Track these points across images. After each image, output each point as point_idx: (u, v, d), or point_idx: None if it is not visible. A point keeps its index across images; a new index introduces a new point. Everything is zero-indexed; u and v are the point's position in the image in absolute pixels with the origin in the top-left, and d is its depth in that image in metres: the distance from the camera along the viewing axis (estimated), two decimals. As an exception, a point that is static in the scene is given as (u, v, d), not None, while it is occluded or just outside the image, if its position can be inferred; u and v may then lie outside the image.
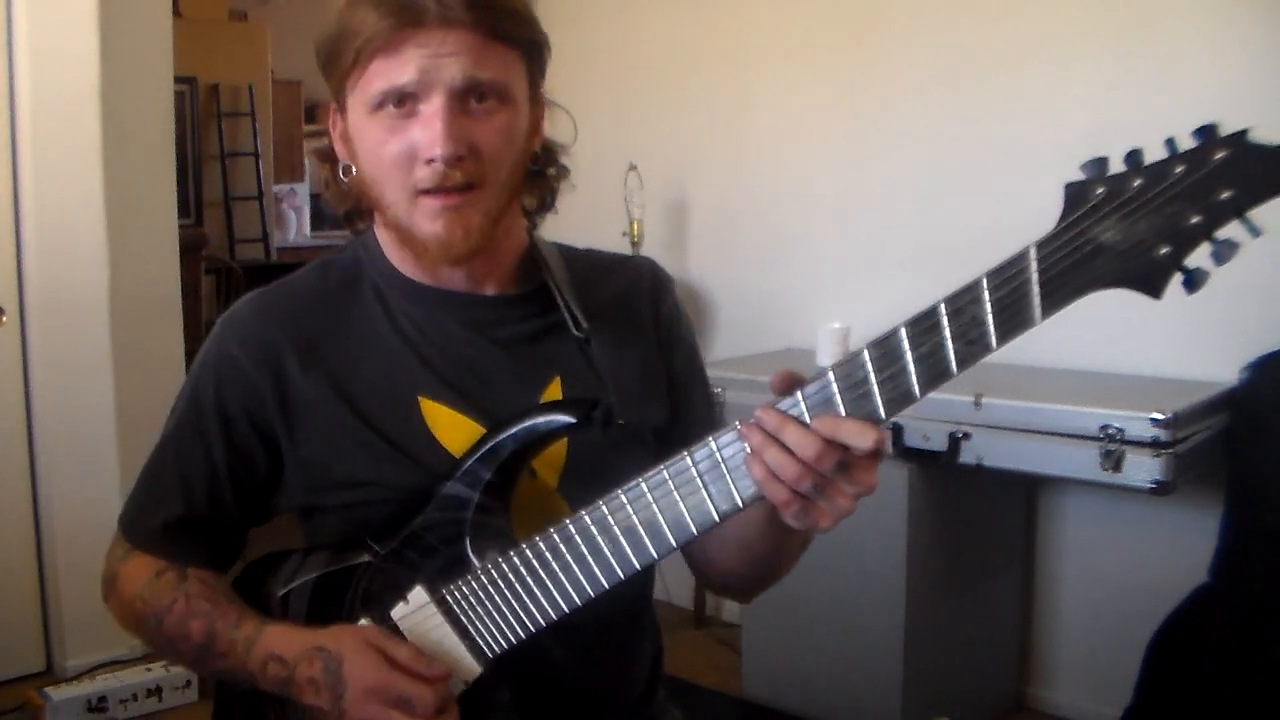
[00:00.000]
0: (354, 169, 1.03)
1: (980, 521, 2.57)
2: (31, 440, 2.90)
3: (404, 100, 0.95)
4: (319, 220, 8.98)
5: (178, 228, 3.19)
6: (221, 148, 7.17)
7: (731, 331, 3.12)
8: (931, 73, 2.78)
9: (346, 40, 0.96)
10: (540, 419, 0.96)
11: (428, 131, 0.95)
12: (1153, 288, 0.74)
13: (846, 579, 2.38)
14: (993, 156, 2.69)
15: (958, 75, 2.73)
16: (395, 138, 0.96)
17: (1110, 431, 2.07)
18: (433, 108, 0.94)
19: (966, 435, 2.23)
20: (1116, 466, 2.07)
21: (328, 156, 1.08)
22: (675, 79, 3.28)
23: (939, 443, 2.26)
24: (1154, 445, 2.05)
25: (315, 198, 8.94)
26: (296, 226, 8.74)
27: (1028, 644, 2.75)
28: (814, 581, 2.43)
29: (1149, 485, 2.06)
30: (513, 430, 0.96)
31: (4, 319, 2.77)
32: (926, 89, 2.79)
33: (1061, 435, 2.14)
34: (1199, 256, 0.73)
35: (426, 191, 0.97)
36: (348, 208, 1.10)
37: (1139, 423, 2.05)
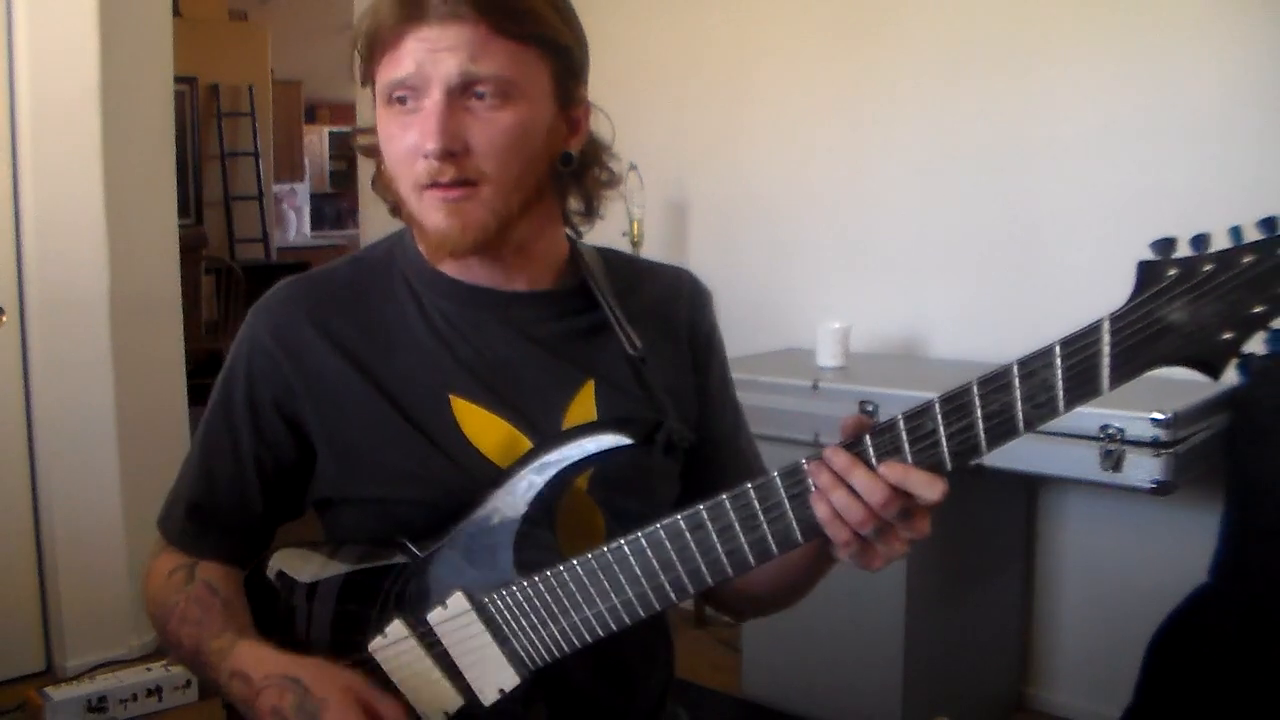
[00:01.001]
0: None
1: (980, 521, 2.57)
2: (31, 440, 2.90)
3: (408, 96, 0.95)
4: (319, 220, 9.00)
5: (178, 228, 3.19)
6: (221, 148, 7.18)
7: (731, 331, 3.10)
8: (931, 73, 2.78)
9: (365, 35, 0.97)
10: (599, 437, 0.95)
11: (424, 126, 0.94)
12: (1213, 370, 0.76)
13: (846, 579, 2.36)
14: (992, 156, 2.69)
15: (958, 75, 2.73)
16: (403, 134, 0.96)
17: (1110, 431, 2.07)
18: (430, 102, 0.94)
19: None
20: (1116, 466, 2.07)
21: (374, 152, 1.06)
22: (675, 79, 3.28)
23: (939, 443, 2.25)
24: (1154, 445, 2.05)
25: (315, 197, 8.95)
26: (296, 226, 8.76)
27: (1028, 644, 2.75)
28: (814, 581, 2.43)
29: (1149, 485, 2.06)
30: (567, 446, 0.95)
31: (4, 319, 2.77)
32: (926, 89, 2.79)
33: (1061, 435, 2.14)
34: (1254, 341, 0.76)
35: (427, 186, 0.96)
36: (391, 202, 1.08)
37: (1139, 423, 2.05)
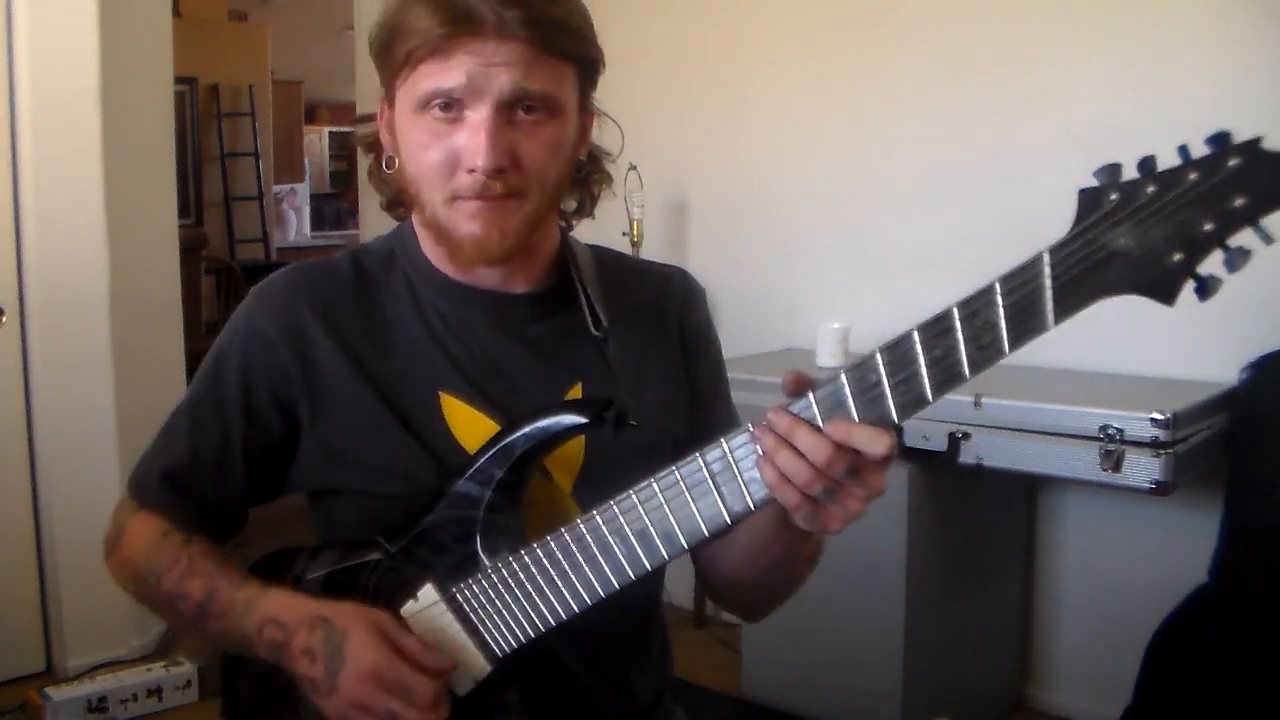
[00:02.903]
0: (397, 161, 1.03)
1: (980, 521, 2.57)
2: (31, 440, 2.90)
3: (450, 105, 0.95)
4: (319, 220, 9.00)
5: (178, 228, 3.19)
6: (221, 148, 7.18)
7: (731, 331, 3.11)
8: (931, 71, 2.78)
9: (399, 36, 0.95)
10: (552, 419, 0.96)
11: (472, 141, 0.94)
12: (1165, 294, 0.74)
13: (846, 579, 2.38)
14: (993, 155, 2.69)
15: (958, 74, 2.73)
16: (439, 143, 0.96)
17: (1110, 431, 2.07)
18: (479, 116, 0.94)
19: (966, 435, 2.23)
20: (1116, 466, 2.07)
21: (373, 146, 1.07)
22: (675, 79, 3.28)
23: (939, 443, 2.26)
24: (1154, 445, 2.05)
25: (315, 198, 8.95)
26: (296, 226, 8.76)
27: (1028, 644, 2.75)
28: (814, 581, 2.41)
29: (1149, 485, 2.06)
30: (525, 429, 0.96)
31: (4, 319, 2.77)
32: (926, 88, 2.79)
33: (1061, 435, 2.14)
34: (1211, 264, 0.73)
35: (468, 197, 0.97)
36: (389, 197, 1.10)
37: (1139, 423, 2.05)
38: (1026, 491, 2.69)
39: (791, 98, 3.06)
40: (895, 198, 2.87)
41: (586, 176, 1.09)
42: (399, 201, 1.09)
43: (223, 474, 1.07)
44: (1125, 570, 2.56)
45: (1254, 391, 2.26)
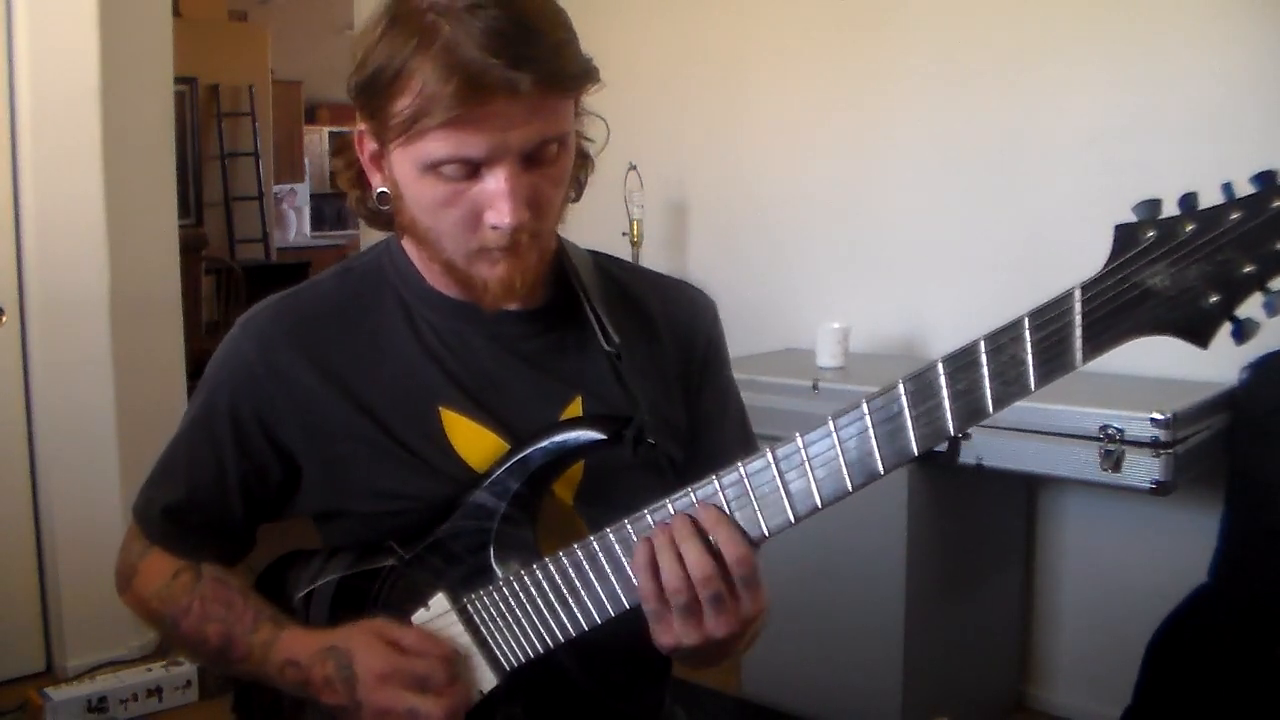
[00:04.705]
0: (390, 195, 0.99)
1: (980, 521, 2.57)
2: (31, 440, 2.90)
3: (466, 166, 0.92)
4: (319, 220, 8.99)
5: (178, 228, 3.19)
6: (221, 148, 7.18)
7: (731, 332, 3.10)
8: (932, 72, 2.78)
9: (399, 91, 0.90)
10: (571, 434, 0.96)
11: (497, 203, 0.92)
12: (1200, 337, 0.71)
13: (846, 579, 2.38)
14: (992, 156, 2.69)
15: (958, 75, 2.73)
16: (458, 200, 0.93)
17: (1110, 431, 2.07)
18: (499, 176, 0.91)
19: (966, 435, 2.22)
20: (1116, 466, 2.07)
21: (358, 182, 1.03)
22: (675, 79, 3.28)
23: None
24: (1154, 445, 2.05)
25: (315, 198, 8.95)
26: (296, 226, 8.75)
27: (1028, 644, 2.75)
28: (814, 581, 2.43)
29: (1149, 485, 2.06)
30: (543, 443, 0.96)
31: (4, 319, 2.77)
32: (927, 88, 2.79)
33: (1061, 435, 2.14)
34: (1250, 306, 0.70)
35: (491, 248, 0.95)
36: (379, 226, 1.06)
37: (1139, 423, 2.05)
38: (1026, 491, 2.69)
39: (791, 98, 3.06)
40: (895, 198, 2.87)
41: (575, 171, 1.06)
42: (391, 228, 1.05)
43: (221, 506, 1.07)
44: (1125, 570, 2.56)
45: (1254, 391, 2.26)
